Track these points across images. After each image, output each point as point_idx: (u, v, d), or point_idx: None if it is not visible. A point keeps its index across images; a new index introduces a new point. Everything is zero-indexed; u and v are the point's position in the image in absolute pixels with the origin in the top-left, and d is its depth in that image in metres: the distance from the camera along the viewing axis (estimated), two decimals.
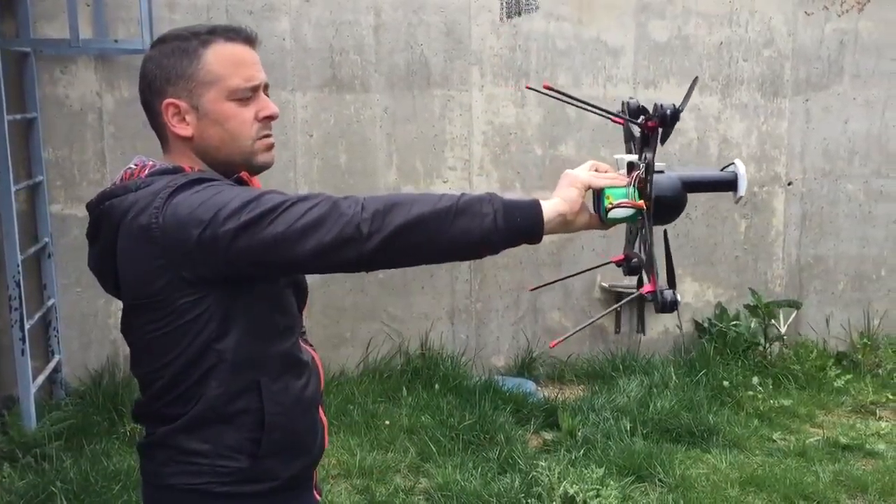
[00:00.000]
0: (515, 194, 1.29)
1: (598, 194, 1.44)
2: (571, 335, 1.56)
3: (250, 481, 1.50)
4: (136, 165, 1.50)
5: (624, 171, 1.49)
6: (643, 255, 1.49)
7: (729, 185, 1.51)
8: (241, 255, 1.33)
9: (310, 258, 1.31)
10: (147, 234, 1.37)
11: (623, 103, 1.54)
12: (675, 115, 1.41)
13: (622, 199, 1.42)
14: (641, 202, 1.42)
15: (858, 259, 5.33)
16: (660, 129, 1.44)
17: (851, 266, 5.34)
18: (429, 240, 1.32)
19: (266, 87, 1.53)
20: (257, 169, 1.53)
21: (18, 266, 3.91)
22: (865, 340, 5.23)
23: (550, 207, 1.38)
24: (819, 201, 5.26)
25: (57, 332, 4.37)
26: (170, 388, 1.47)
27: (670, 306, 1.40)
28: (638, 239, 1.56)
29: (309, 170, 4.66)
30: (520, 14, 4.76)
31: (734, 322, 5.06)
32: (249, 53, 1.50)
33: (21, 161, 4.20)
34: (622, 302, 1.65)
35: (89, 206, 1.49)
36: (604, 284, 5.03)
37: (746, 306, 5.07)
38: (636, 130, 1.52)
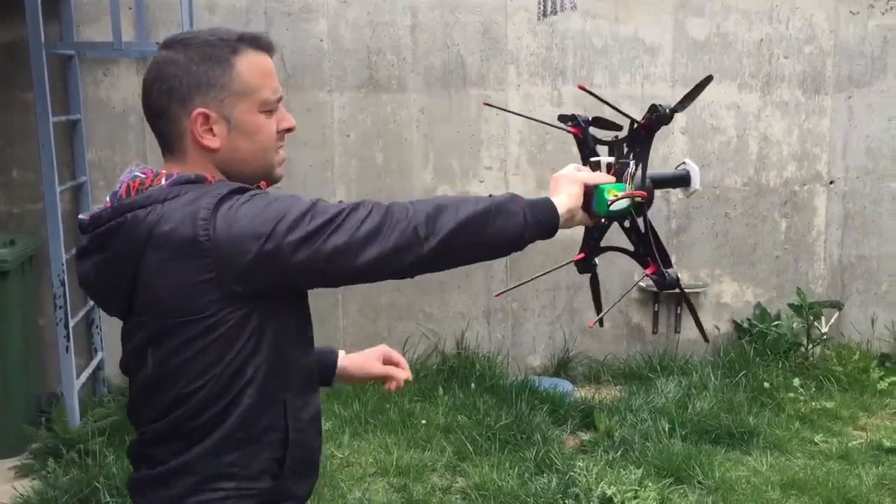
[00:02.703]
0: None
1: (592, 192, 1.54)
2: (609, 310, 1.75)
3: (270, 503, 1.46)
4: (144, 174, 1.42)
5: (603, 170, 1.64)
6: (638, 244, 1.63)
7: (684, 181, 1.68)
8: (302, 268, 1.32)
9: (371, 266, 1.33)
10: (194, 247, 1.31)
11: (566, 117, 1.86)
12: (668, 117, 1.57)
13: (623, 192, 1.54)
14: (643, 192, 1.56)
15: None
16: (652, 130, 1.60)
17: (895, 266, 5.24)
18: (476, 239, 1.38)
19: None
20: (274, 181, 1.53)
21: (63, 265, 3.98)
22: None
23: (562, 204, 1.49)
24: (862, 200, 5.17)
25: (100, 330, 4.45)
26: (202, 410, 1.40)
27: (673, 283, 1.56)
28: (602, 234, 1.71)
29: (346, 170, 4.68)
30: (556, 13, 4.75)
31: (775, 323, 4.99)
32: (272, 63, 1.48)
33: (65, 162, 4.28)
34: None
35: (99, 218, 1.40)
36: (641, 284, 4.99)
37: (791, 306, 4.99)
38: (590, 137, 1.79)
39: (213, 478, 1.41)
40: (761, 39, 4.96)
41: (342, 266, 1.33)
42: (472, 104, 4.76)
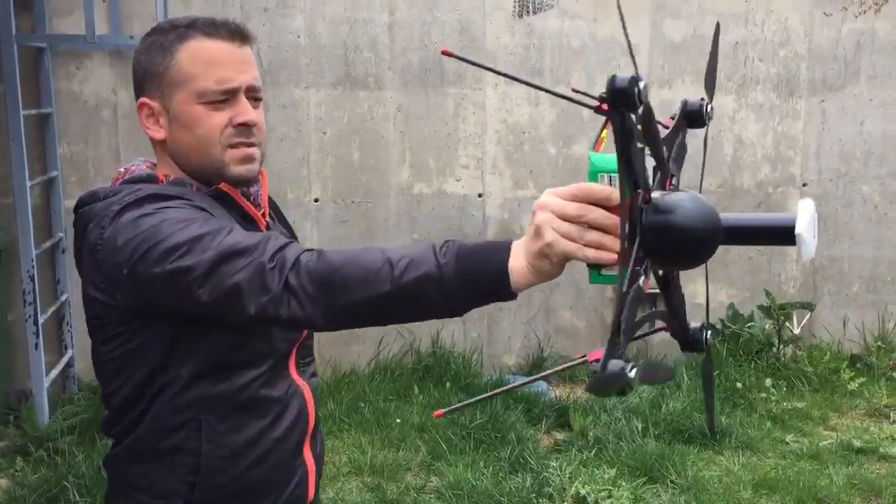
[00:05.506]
0: (479, 255, 1.02)
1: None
2: (461, 407, 1.08)
3: None
4: (123, 169, 1.42)
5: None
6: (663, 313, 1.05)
7: (782, 234, 0.93)
8: (168, 301, 1.23)
9: (237, 322, 1.20)
10: (93, 252, 1.29)
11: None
12: (701, 111, 1.09)
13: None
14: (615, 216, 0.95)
15: (873, 261, 5.30)
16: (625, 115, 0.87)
17: (866, 268, 5.30)
18: (376, 322, 1.15)
19: (252, 89, 1.37)
20: (232, 181, 1.38)
21: (33, 261, 3.93)
22: (880, 343, 5.19)
23: (522, 281, 1.00)
24: (834, 203, 5.23)
25: (70, 326, 4.39)
26: (118, 414, 1.39)
27: (607, 383, 0.84)
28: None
29: (322, 167, 4.66)
30: (534, 12, 4.75)
31: (748, 324, 5.03)
32: (229, 51, 1.35)
33: (36, 156, 4.22)
34: (556, 370, 1.05)
35: (74, 210, 1.41)
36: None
37: (760, 307, 5.04)
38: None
39: (126, 486, 1.40)
40: (736, 42, 4.99)
41: (202, 316, 1.22)
42: (449, 102, 4.75)
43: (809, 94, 5.11)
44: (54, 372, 4.17)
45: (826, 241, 5.25)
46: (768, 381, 4.71)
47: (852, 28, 5.09)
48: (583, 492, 3.44)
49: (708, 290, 1.15)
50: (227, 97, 1.35)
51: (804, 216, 0.91)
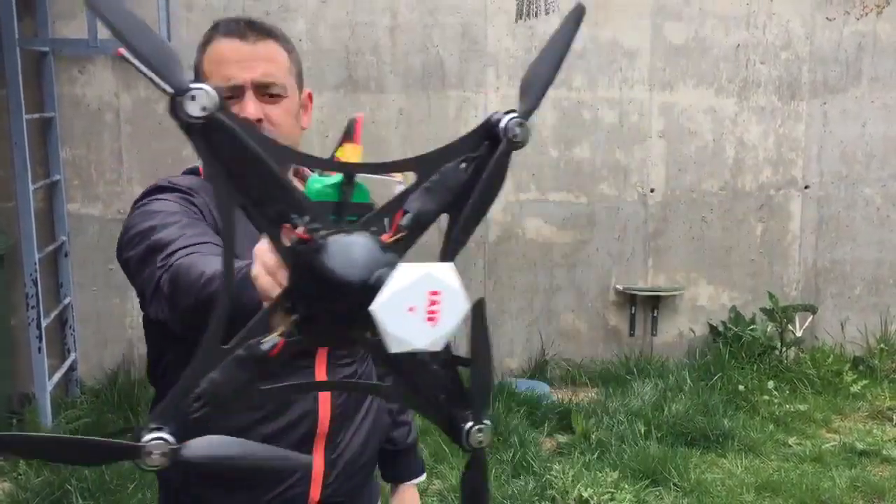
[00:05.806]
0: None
1: None
2: None
3: (187, 494, 1.48)
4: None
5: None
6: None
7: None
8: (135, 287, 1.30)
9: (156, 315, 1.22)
10: None
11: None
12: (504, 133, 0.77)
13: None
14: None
15: (875, 264, 5.29)
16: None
17: (868, 271, 5.30)
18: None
19: (261, 85, 1.38)
20: None
21: (36, 265, 3.93)
22: (882, 345, 5.18)
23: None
24: (836, 205, 5.22)
25: (73, 330, 4.39)
26: (150, 374, 1.51)
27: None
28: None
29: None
30: (536, 15, 4.76)
31: (750, 326, 5.03)
32: (236, 49, 1.37)
33: (39, 160, 4.23)
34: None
35: None
36: (618, 287, 5.00)
37: (763, 310, 5.04)
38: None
39: None
40: (738, 45, 4.99)
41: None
42: (451, 105, 4.76)
43: (811, 97, 5.11)
44: (57, 375, 4.18)
45: (828, 244, 5.25)
46: (771, 384, 4.71)
47: (854, 30, 5.09)
48: (585, 494, 3.43)
49: (482, 371, 0.82)
50: (232, 94, 1.36)
51: (398, 283, 0.64)
